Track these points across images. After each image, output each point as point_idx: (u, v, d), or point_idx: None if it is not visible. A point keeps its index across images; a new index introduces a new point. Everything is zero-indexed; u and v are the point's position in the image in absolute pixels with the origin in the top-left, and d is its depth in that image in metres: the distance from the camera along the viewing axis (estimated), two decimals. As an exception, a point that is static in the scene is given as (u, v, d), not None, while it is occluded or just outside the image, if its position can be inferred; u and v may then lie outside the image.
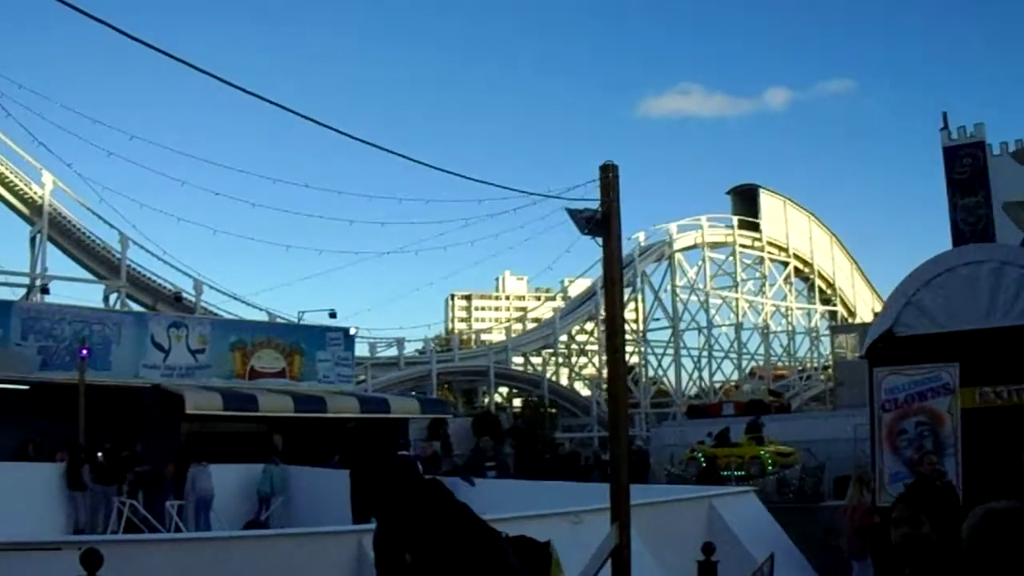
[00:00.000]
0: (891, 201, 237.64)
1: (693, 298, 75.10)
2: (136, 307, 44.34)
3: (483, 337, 78.05)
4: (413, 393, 49.98)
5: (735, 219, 78.08)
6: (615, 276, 7.26)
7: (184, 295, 45.47)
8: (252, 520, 19.32)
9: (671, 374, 74.05)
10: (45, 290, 39.04)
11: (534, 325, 74.18)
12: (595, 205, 7.08)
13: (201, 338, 32.35)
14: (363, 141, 6.93)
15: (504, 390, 68.85)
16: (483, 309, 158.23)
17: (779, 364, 78.79)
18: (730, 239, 77.39)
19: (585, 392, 70.29)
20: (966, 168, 62.64)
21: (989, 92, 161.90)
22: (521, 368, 68.07)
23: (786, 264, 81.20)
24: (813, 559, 11.79)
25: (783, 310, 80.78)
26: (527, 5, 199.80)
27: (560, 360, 70.74)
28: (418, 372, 57.95)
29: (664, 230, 73.42)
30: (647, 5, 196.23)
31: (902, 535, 3.83)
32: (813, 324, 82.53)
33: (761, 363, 77.17)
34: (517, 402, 69.54)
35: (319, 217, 65.13)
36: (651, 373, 75.02)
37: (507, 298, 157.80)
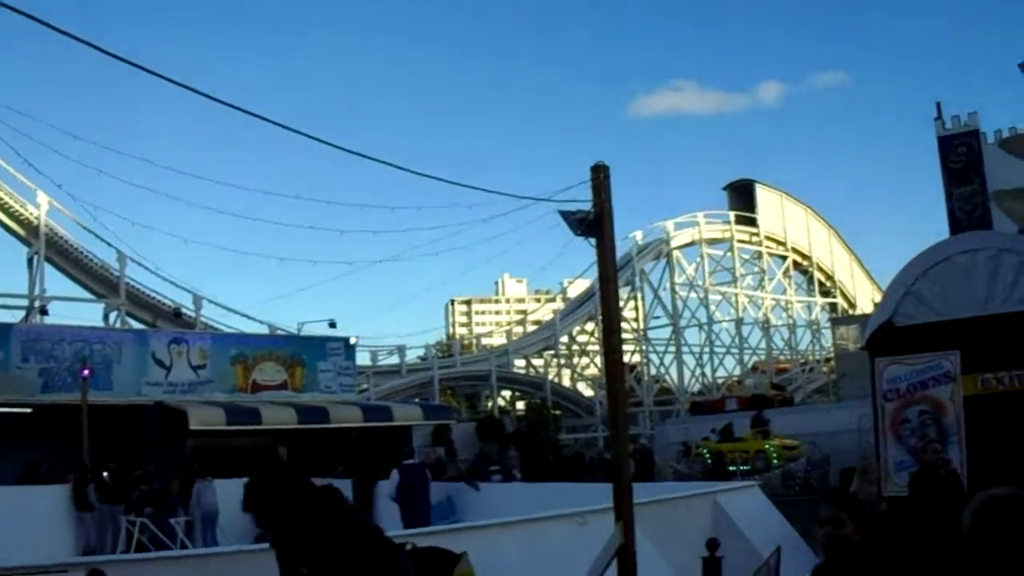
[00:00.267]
0: (888, 192, 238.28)
1: (693, 295, 75.08)
2: (136, 324, 44.30)
3: (484, 341, 77.98)
4: (416, 400, 49.95)
5: (732, 215, 78.10)
6: (609, 276, 7.27)
7: (183, 310, 45.43)
8: (262, 534, 19.25)
9: (673, 371, 74.04)
10: (44, 311, 39.01)
11: (535, 327, 74.14)
12: (587, 206, 7.10)
13: (202, 353, 32.35)
14: (354, 153, 6.94)
15: (507, 393, 68.80)
16: (484, 313, 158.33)
17: (781, 358, 78.76)
18: (728, 235, 77.41)
19: (588, 392, 70.26)
20: (961, 157, 62.70)
21: (983, 81, 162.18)
22: (523, 371, 68.05)
23: (785, 258, 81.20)
24: (818, 552, 11.77)
25: (783, 304, 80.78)
26: (519, 5, 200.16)
27: (562, 361, 70.73)
28: (420, 379, 57.90)
29: (661, 228, 73.42)
30: (638, 3, 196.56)
31: (825, 535, 3.94)
32: (814, 317, 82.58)
33: (763, 357, 77.18)
34: (520, 405, 69.49)
35: (310, 228, 65.21)
36: (653, 371, 75.03)
37: (507, 301, 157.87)
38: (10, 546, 14.60)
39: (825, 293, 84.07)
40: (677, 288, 73.67)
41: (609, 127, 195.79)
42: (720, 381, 72.20)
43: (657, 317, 74.74)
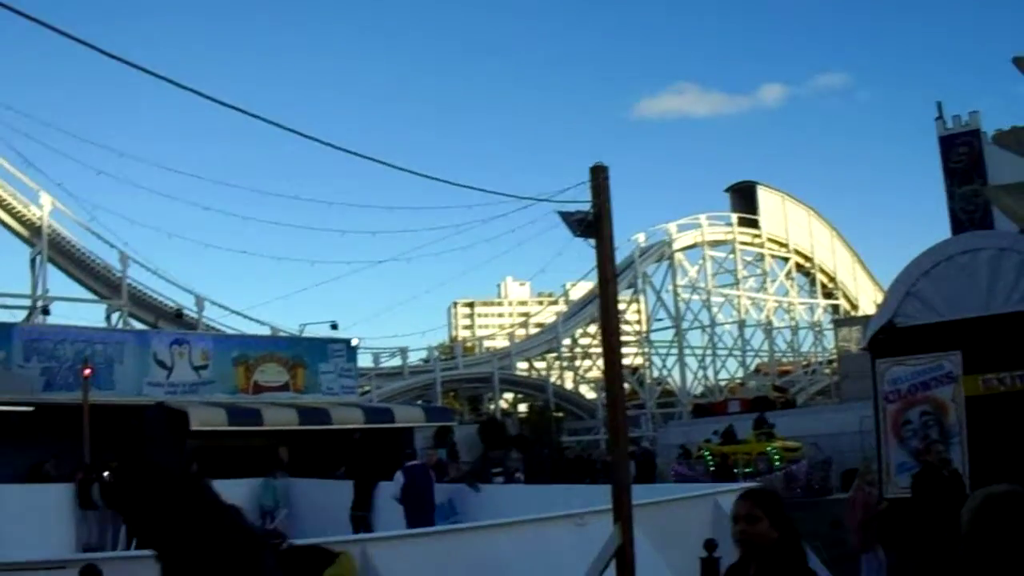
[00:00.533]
0: (890, 192, 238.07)
1: (695, 297, 74.98)
2: (138, 325, 44.31)
3: (486, 343, 77.98)
4: (418, 402, 49.94)
5: (734, 217, 77.99)
6: (608, 277, 7.26)
7: (185, 311, 45.45)
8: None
9: (676, 374, 73.98)
10: (46, 311, 39.05)
11: (537, 330, 74.11)
12: (588, 207, 7.09)
13: (204, 354, 32.34)
14: (350, 152, 6.92)
15: (509, 396, 68.78)
16: (486, 316, 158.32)
17: (783, 360, 78.69)
18: (730, 237, 77.32)
19: (590, 395, 70.20)
20: (962, 157, 62.54)
21: (984, 80, 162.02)
22: (525, 373, 68.03)
23: (787, 260, 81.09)
24: (820, 552, 11.75)
25: (785, 306, 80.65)
26: (523, 7, 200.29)
27: (564, 364, 70.69)
28: (422, 381, 57.91)
29: (664, 230, 73.40)
30: (641, 6, 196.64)
31: (740, 531, 3.90)
32: (816, 318, 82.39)
33: (765, 359, 77.09)
34: (522, 407, 69.48)
35: (311, 228, 65.09)
36: (656, 374, 74.97)
37: (510, 304, 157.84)
38: (13, 543, 14.64)
39: (827, 295, 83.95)
40: (679, 290, 73.60)
41: (613, 129, 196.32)
42: (723, 383, 72.04)
43: (660, 319, 74.72)
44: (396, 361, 58.15)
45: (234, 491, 20.09)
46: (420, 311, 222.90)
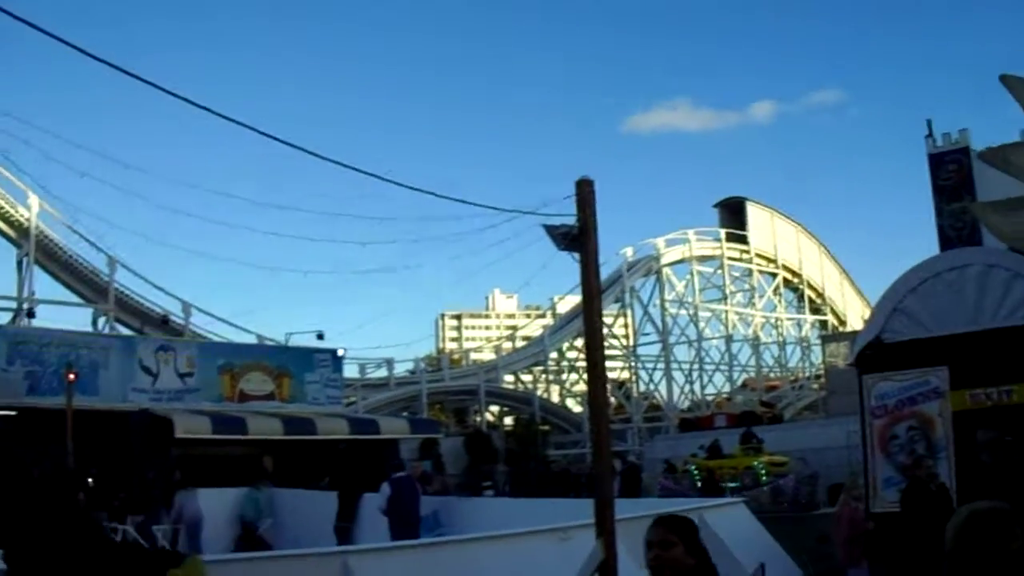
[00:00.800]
0: (879, 209, 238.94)
1: (682, 312, 75.06)
2: (124, 330, 44.06)
3: (473, 356, 77.88)
4: (404, 414, 49.78)
5: (723, 232, 78.12)
6: (593, 292, 7.22)
7: (172, 318, 45.23)
8: (241, 538, 19.05)
9: (662, 388, 73.97)
10: (31, 314, 38.78)
11: (524, 343, 74.07)
12: (573, 220, 7.05)
13: (189, 361, 32.19)
14: (345, 165, 6.87)
15: (495, 408, 68.64)
16: (473, 328, 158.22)
17: (771, 375, 78.75)
18: (718, 252, 77.44)
19: (577, 409, 70.11)
20: (951, 174, 62.78)
21: (974, 99, 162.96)
22: (512, 386, 67.93)
23: (775, 275, 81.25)
24: (807, 567, 11.71)
25: (773, 321, 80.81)
26: (516, 20, 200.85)
27: (551, 377, 70.63)
28: (408, 392, 57.77)
29: (652, 245, 73.46)
30: (634, 21, 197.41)
31: (654, 557, 3.85)
32: (804, 334, 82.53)
33: (753, 374, 77.15)
34: (508, 420, 69.36)
35: (302, 238, 65.21)
36: (642, 388, 74.94)
37: (497, 316, 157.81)
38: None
39: (815, 310, 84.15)
40: (667, 305, 73.65)
41: (604, 143, 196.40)
42: (709, 398, 72.08)
43: (647, 334, 74.76)
44: (382, 372, 58.04)
45: (216, 501, 20.04)
46: (407, 322, 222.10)
